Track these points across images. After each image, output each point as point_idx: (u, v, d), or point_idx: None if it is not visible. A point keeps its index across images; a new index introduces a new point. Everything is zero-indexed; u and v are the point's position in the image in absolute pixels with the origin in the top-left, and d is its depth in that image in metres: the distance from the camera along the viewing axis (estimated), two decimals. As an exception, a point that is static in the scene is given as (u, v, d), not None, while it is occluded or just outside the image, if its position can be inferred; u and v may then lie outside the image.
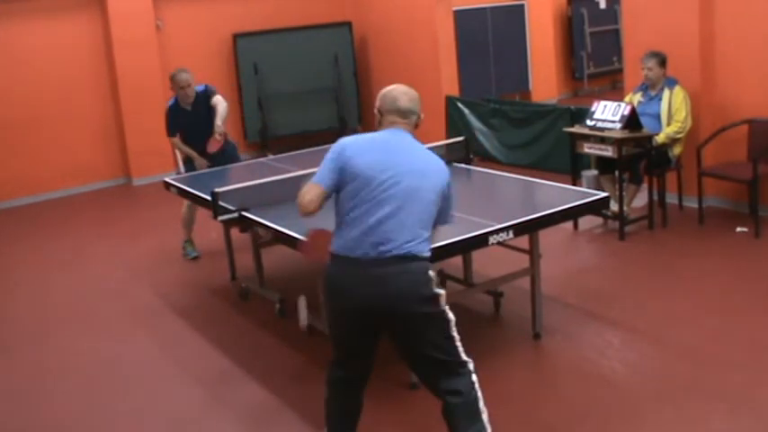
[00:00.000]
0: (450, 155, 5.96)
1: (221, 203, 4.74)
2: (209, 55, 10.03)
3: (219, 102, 6.12)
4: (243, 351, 4.71)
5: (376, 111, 3.23)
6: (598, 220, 6.44)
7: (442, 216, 3.14)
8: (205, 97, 6.21)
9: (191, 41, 9.81)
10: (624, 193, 6.12)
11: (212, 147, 6.07)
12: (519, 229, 4.02)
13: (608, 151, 6.03)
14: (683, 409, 3.66)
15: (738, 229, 5.95)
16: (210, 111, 6.13)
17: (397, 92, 3.19)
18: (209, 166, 6.24)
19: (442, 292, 2.98)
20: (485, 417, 3.03)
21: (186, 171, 6.46)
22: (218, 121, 5.99)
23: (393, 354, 4.31)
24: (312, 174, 3.17)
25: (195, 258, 6.47)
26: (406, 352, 3.09)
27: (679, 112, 6.04)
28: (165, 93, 8.94)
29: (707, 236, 5.97)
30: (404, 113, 3.15)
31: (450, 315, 3.01)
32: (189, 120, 6.27)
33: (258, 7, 10.39)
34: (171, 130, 6.34)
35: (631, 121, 5.92)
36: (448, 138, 8.88)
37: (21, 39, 8.97)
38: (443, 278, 5.27)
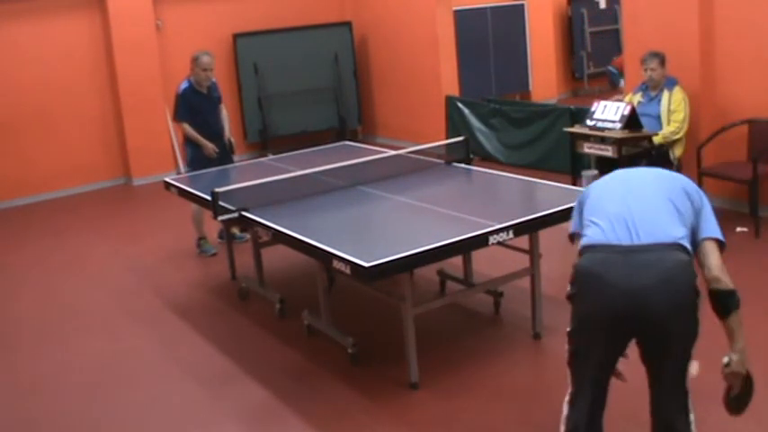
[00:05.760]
0: (450, 155, 5.97)
1: (221, 203, 4.75)
2: (209, 55, 10.04)
3: (224, 112, 6.60)
4: (243, 351, 4.71)
5: None
6: (598, 220, 6.43)
7: None
8: (216, 87, 6.52)
9: (191, 41, 9.77)
10: (624, 193, 6.12)
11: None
12: (519, 229, 4.02)
13: (608, 151, 6.03)
14: (683, 409, 3.66)
15: (738, 229, 5.94)
16: (219, 103, 6.52)
17: None
18: (217, 153, 6.34)
19: None
20: None
21: (189, 162, 6.46)
22: (230, 135, 6.56)
23: (392, 353, 4.34)
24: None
25: (214, 255, 6.45)
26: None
27: (677, 113, 6.03)
28: (166, 92, 8.97)
29: (707, 236, 5.96)
30: None
31: None
32: (203, 103, 6.36)
33: (258, 7, 10.39)
34: (181, 114, 6.35)
35: (631, 121, 5.93)
36: (448, 138, 8.89)
37: (21, 39, 8.97)
38: (443, 278, 5.29)
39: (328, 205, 4.84)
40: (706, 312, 2.91)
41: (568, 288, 2.75)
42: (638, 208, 2.69)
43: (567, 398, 2.93)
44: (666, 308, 2.56)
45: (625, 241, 2.61)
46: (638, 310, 2.56)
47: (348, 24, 10.65)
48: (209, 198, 4.82)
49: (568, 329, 2.80)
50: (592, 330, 2.70)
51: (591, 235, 2.71)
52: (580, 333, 2.75)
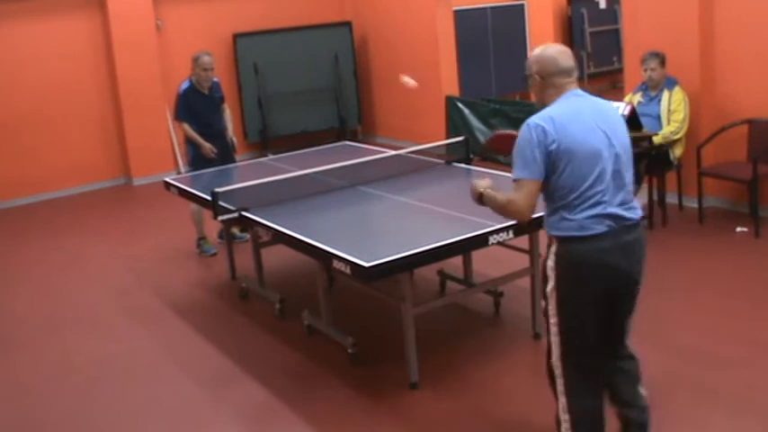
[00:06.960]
0: (450, 155, 5.97)
1: (221, 203, 4.75)
2: (209, 55, 10.05)
3: (227, 112, 6.61)
4: (243, 351, 4.71)
5: (535, 75, 2.98)
6: (598, 220, 6.43)
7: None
8: (218, 87, 6.51)
9: (191, 41, 9.79)
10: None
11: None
12: (519, 229, 4.02)
13: (608, 151, 6.02)
14: (683, 409, 3.66)
15: (738, 229, 5.94)
16: (221, 103, 6.52)
17: (554, 50, 2.98)
18: (216, 153, 6.33)
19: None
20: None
21: (190, 162, 6.46)
22: (233, 136, 6.55)
23: (392, 353, 4.34)
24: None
25: (214, 255, 6.45)
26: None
27: (677, 112, 6.04)
28: (166, 92, 8.98)
29: (707, 236, 5.97)
30: (569, 72, 2.96)
31: None
32: (204, 103, 6.36)
33: (258, 7, 10.40)
34: (182, 114, 6.35)
35: (631, 121, 5.92)
36: (448, 138, 8.89)
37: (21, 39, 8.97)
38: (443, 278, 5.29)
39: (328, 205, 4.84)
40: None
41: (554, 276, 2.93)
42: (619, 185, 2.99)
43: (560, 388, 3.01)
44: (642, 276, 3.02)
45: (615, 224, 2.88)
46: (629, 283, 2.98)
47: (348, 24, 10.65)
48: (209, 198, 4.82)
49: (559, 325, 2.95)
50: (588, 313, 2.92)
51: (586, 224, 2.86)
52: (578, 320, 2.93)
